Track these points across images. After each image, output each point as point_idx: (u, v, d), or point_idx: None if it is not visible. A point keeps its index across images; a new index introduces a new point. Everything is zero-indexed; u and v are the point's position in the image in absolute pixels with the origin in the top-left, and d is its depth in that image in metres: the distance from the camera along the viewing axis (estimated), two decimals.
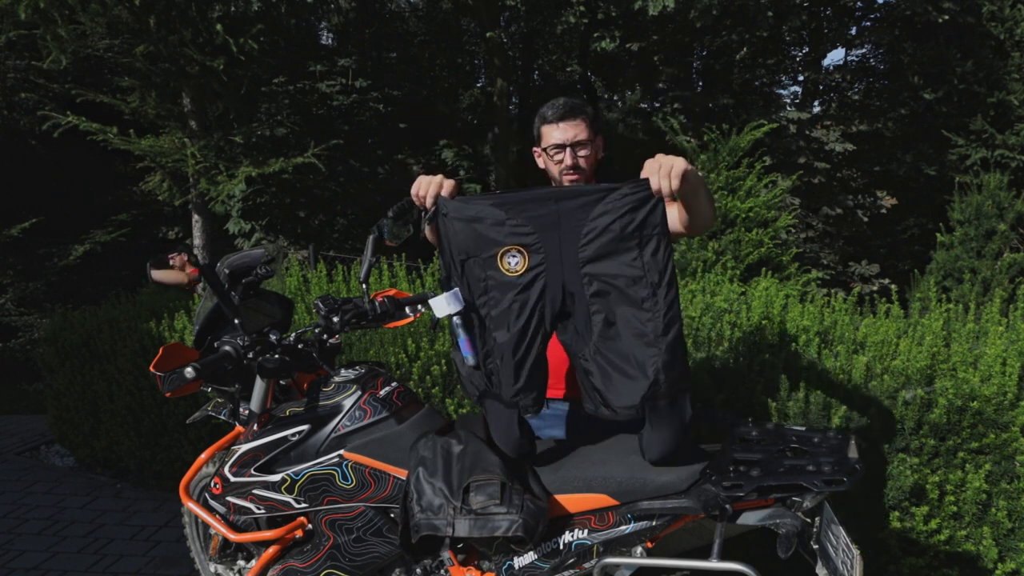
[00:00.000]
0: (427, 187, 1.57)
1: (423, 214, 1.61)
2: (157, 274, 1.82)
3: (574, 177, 1.90)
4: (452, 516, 1.57)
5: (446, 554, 1.73)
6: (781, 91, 13.55)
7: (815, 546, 1.48)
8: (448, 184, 1.57)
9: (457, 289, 1.54)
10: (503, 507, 1.53)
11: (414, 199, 1.60)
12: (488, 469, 1.59)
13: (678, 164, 1.43)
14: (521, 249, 1.47)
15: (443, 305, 1.52)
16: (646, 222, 1.41)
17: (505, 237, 1.47)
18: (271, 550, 1.91)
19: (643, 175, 1.44)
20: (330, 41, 15.00)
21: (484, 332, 1.54)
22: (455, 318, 1.54)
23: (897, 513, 2.27)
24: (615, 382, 1.47)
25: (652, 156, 1.48)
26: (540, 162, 1.99)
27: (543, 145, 1.93)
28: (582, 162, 1.90)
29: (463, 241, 1.51)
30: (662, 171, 1.42)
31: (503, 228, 1.47)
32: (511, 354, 1.51)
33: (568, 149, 1.87)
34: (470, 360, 1.58)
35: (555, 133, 1.88)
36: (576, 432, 2.00)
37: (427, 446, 1.68)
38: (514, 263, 1.48)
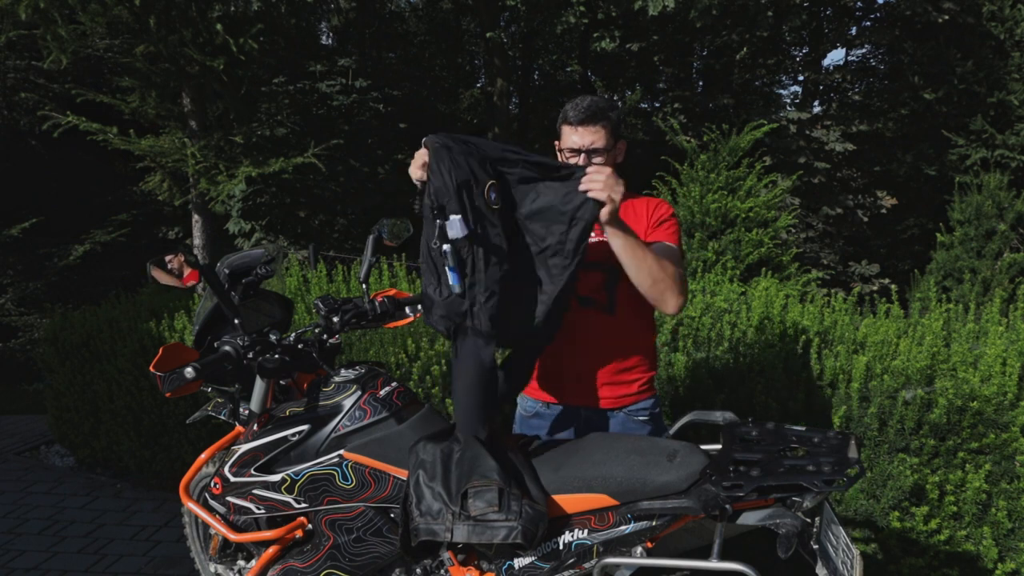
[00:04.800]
0: (419, 157, 1.64)
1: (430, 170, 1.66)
2: (155, 275, 1.82)
3: None
4: (451, 522, 1.57)
5: (446, 554, 1.73)
6: (781, 91, 13.55)
7: (815, 546, 1.48)
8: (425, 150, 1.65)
9: (461, 216, 1.58)
10: (501, 514, 1.54)
11: (417, 175, 1.66)
12: (486, 475, 1.59)
13: (607, 206, 1.55)
14: (497, 187, 1.61)
15: (457, 227, 1.58)
16: (583, 206, 1.58)
17: (489, 174, 1.60)
18: (271, 550, 1.91)
19: (587, 182, 1.57)
20: (330, 41, 15.00)
21: (474, 261, 1.60)
22: (446, 246, 1.57)
23: (897, 513, 2.27)
24: (506, 316, 1.63)
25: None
26: (560, 158, 1.96)
27: (561, 146, 1.90)
28: None
29: (458, 168, 1.58)
30: (596, 177, 1.55)
31: (486, 166, 1.61)
32: (496, 284, 1.60)
33: (583, 156, 1.84)
34: (456, 288, 1.60)
35: (573, 137, 1.84)
36: (576, 433, 2.00)
37: (426, 449, 1.68)
38: (494, 198, 1.61)
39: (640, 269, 1.65)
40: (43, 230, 10.72)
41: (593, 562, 1.56)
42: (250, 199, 10.06)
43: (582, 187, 1.57)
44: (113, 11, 6.63)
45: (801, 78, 13.06)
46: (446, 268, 1.60)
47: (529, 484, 1.62)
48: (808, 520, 1.46)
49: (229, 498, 1.91)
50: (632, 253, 1.64)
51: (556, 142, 1.95)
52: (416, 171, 1.64)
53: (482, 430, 1.65)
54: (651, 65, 13.83)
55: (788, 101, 13.30)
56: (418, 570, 1.77)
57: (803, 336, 2.64)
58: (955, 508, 2.23)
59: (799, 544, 1.41)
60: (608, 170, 1.57)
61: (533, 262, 1.66)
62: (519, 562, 1.62)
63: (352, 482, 1.72)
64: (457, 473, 1.63)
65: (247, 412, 1.94)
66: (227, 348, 1.73)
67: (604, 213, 1.57)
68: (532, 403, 2.01)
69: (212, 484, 1.97)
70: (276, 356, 1.75)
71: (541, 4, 10.40)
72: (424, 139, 1.63)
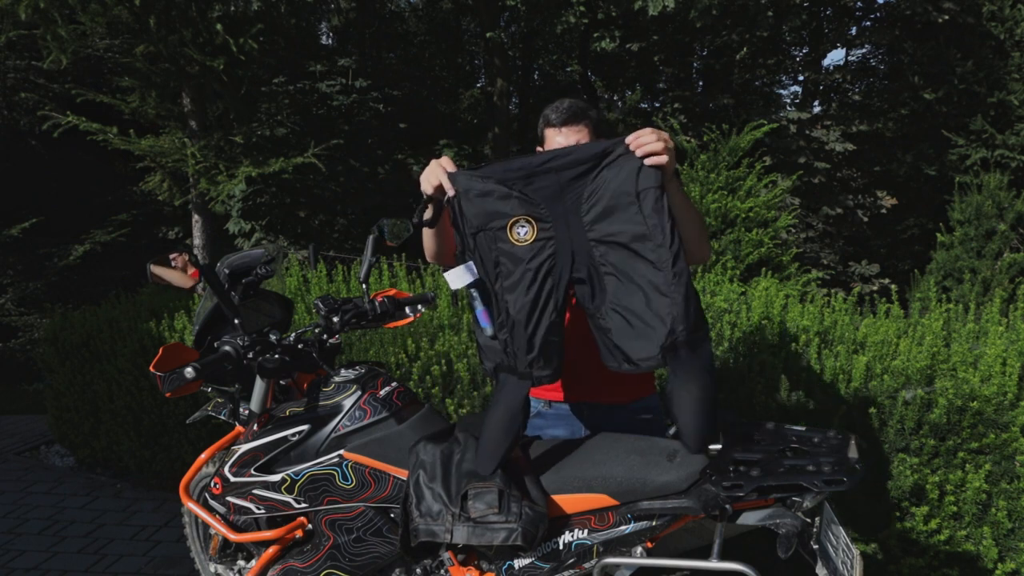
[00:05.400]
0: (435, 176, 1.57)
1: (444, 202, 1.60)
2: (157, 273, 1.82)
3: None
4: (451, 523, 1.58)
5: (446, 554, 1.74)
6: (781, 91, 13.53)
7: (815, 546, 1.48)
8: (447, 162, 1.58)
9: (471, 262, 1.55)
10: (501, 516, 1.54)
11: (428, 192, 1.59)
12: (486, 476, 1.59)
13: (669, 157, 1.46)
14: (530, 219, 1.51)
15: (457, 277, 1.55)
16: (640, 179, 1.47)
17: (513, 208, 1.51)
18: (271, 550, 1.91)
19: (631, 137, 1.48)
20: (330, 41, 15.00)
21: (498, 302, 1.55)
22: (472, 290, 1.55)
23: (897, 513, 2.27)
24: (634, 334, 1.49)
25: None
26: None
27: (545, 148, 1.92)
28: None
29: (474, 215, 1.53)
30: (647, 138, 1.45)
31: (510, 200, 1.51)
32: (524, 323, 1.52)
33: None
34: (488, 330, 1.58)
35: (557, 138, 1.86)
36: (577, 432, 2.00)
37: (426, 450, 1.68)
38: (523, 233, 1.52)
39: (693, 221, 1.66)
40: (43, 230, 10.71)
41: (593, 562, 1.56)
42: (250, 199, 10.05)
43: (639, 153, 1.45)
44: (113, 11, 6.62)
45: (801, 78, 13.05)
46: (475, 311, 1.58)
47: (529, 485, 1.62)
48: (808, 520, 1.46)
49: (229, 498, 1.91)
50: (688, 207, 1.64)
51: (539, 148, 1.97)
52: (427, 186, 1.59)
53: (493, 468, 1.60)
54: (651, 65, 13.81)
55: (788, 101, 13.29)
56: (418, 570, 1.77)
57: (803, 336, 2.64)
58: (955, 508, 2.23)
59: (799, 544, 1.41)
60: (646, 130, 1.47)
61: (623, 267, 1.49)
62: (519, 562, 1.62)
63: (352, 482, 1.72)
64: (457, 474, 1.63)
65: (247, 412, 1.94)
66: (227, 348, 1.74)
67: (666, 171, 1.49)
68: (534, 402, 2.01)
69: (212, 484, 1.97)
70: (276, 356, 1.75)
71: (541, 4, 10.40)
72: (447, 173, 1.55)
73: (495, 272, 1.54)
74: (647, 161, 1.46)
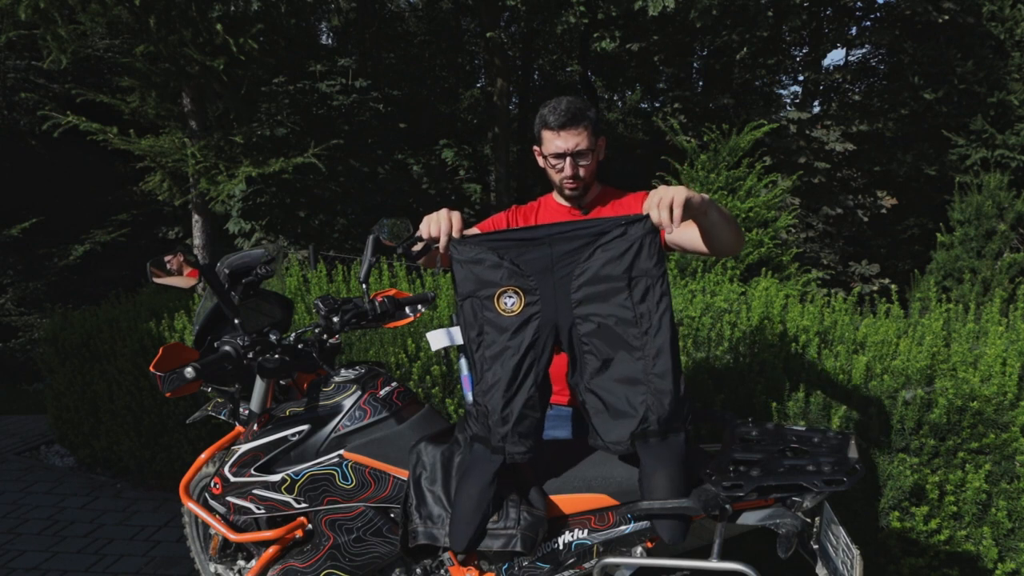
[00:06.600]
0: (436, 228, 1.55)
1: (433, 247, 1.60)
2: (158, 283, 1.83)
3: (574, 185, 1.90)
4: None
5: (446, 555, 1.74)
6: (781, 91, 13.55)
7: (815, 546, 1.48)
8: (457, 223, 1.56)
9: (455, 327, 1.54)
10: (500, 522, 1.54)
11: (424, 237, 1.58)
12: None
13: (679, 194, 1.42)
14: (518, 290, 1.49)
15: (437, 339, 1.54)
16: (635, 265, 1.44)
17: (502, 279, 1.49)
18: (271, 550, 1.91)
19: (644, 210, 1.45)
20: (330, 41, 15.00)
21: (479, 371, 1.53)
22: (462, 355, 1.54)
23: (897, 513, 2.27)
24: (608, 416, 1.48)
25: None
26: (540, 161, 1.98)
27: (544, 151, 1.91)
28: (582, 171, 1.89)
29: (463, 282, 1.52)
30: (662, 204, 1.41)
31: (500, 270, 1.49)
32: (501, 393, 1.49)
33: (569, 159, 1.86)
34: (468, 398, 1.57)
35: (556, 142, 1.85)
36: (578, 433, 2.00)
37: (427, 451, 1.68)
38: (510, 303, 1.50)
39: (732, 230, 1.66)
40: (43, 230, 10.71)
41: (593, 562, 1.56)
42: (250, 199, 10.06)
43: (651, 214, 1.41)
44: (113, 11, 6.62)
45: (801, 78, 13.06)
46: (462, 376, 1.57)
47: (528, 487, 1.62)
48: (808, 520, 1.46)
49: (229, 498, 1.91)
50: (727, 221, 1.63)
51: (536, 148, 1.96)
52: (425, 231, 1.57)
53: (465, 544, 1.56)
54: (651, 65, 13.82)
55: (788, 101, 13.31)
56: (418, 570, 1.77)
57: (803, 336, 2.64)
58: (955, 508, 2.23)
59: (799, 544, 1.41)
60: (652, 202, 1.43)
61: (603, 350, 1.47)
62: (519, 562, 1.62)
63: (352, 482, 1.72)
64: (457, 477, 1.63)
65: (247, 412, 1.94)
66: (227, 348, 1.74)
67: (696, 206, 1.47)
68: None
69: (212, 484, 1.97)
70: (276, 356, 1.75)
71: (541, 4, 10.40)
72: (449, 236, 1.54)
73: (478, 340, 1.52)
74: (674, 221, 1.41)
